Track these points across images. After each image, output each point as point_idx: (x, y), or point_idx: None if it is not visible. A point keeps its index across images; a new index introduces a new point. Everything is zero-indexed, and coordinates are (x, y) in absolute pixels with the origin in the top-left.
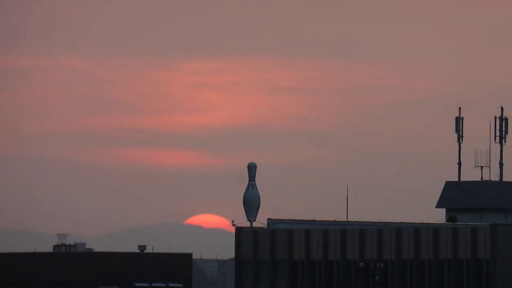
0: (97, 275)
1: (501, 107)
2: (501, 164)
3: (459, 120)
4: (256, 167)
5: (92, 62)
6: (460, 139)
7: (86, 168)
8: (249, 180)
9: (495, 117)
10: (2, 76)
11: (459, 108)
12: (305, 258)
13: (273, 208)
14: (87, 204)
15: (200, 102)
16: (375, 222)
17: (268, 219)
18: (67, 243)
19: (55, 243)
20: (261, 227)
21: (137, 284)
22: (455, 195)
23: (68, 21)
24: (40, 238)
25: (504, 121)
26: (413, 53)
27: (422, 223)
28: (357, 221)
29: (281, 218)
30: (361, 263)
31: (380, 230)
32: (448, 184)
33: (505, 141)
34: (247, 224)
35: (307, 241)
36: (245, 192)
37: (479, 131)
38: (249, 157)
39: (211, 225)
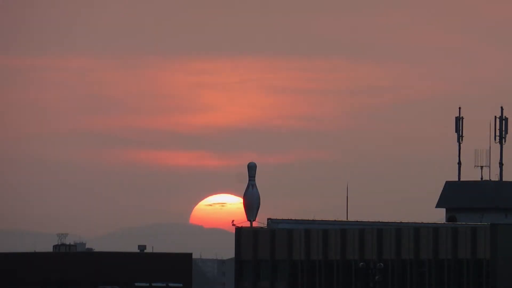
0: (97, 275)
1: (501, 107)
2: (501, 164)
3: (459, 120)
4: (256, 167)
5: (92, 62)
6: (460, 139)
7: (86, 168)
8: (249, 180)
9: (495, 117)
10: (2, 76)
11: (459, 108)
12: (305, 258)
13: (273, 208)
14: (87, 204)
15: (200, 102)
16: (375, 222)
17: (268, 219)
18: (67, 243)
19: (55, 243)
20: (261, 227)
21: (137, 284)
22: (455, 195)
23: (68, 21)
24: (40, 238)
25: (504, 121)
26: (413, 53)
27: (422, 223)
28: (357, 221)
29: (281, 218)
30: (361, 263)
31: (380, 230)
32: (448, 184)
33: (505, 141)
34: (247, 224)
35: (307, 241)
36: (245, 192)
37: (479, 131)
38: (249, 157)
39: (211, 225)
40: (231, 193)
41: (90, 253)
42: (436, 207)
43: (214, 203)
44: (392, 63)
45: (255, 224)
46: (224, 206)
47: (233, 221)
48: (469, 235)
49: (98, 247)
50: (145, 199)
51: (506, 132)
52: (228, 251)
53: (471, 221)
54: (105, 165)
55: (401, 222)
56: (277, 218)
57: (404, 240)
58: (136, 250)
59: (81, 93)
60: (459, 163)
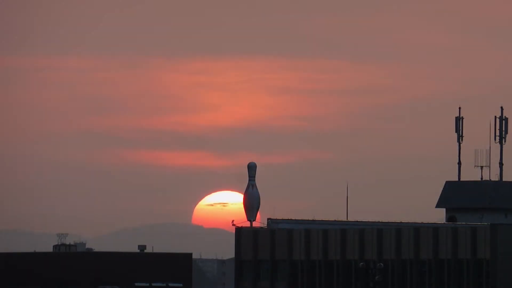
0: (97, 275)
1: (501, 107)
2: (501, 164)
3: (459, 120)
4: (256, 167)
5: (92, 62)
6: (460, 139)
7: (86, 168)
8: (249, 180)
9: (495, 117)
10: (2, 76)
11: (459, 108)
12: (305, 258)
13: (273, 208)
14: (87, 204)
15: (201, 102)
16: (375, 222)
17: (268, 219)
18: (67, 243)
19: (55, 243)
20: (261, 227)
21: (137, 284)
22: (455, 195)
23: (68, 21)
24: (40, 238)
25: (504, 121)
26: (413, 53)
27: (422, 223)
28: (357, 221)
29: (281, 218)
30: (361, 263)
31: (380, 230)
32: (448, 184)
33: (505, 141)
34: (247, 224)
35: (307, 241)
36: (245, 192)
37: (479, 131)
38: (249, 157)
39: (211, 225)
40: (233, 190)
41: (90, 253)
42: (436, 207)
43: (215, 203)
44: (392, 63)
45: (255, 224)
46: (225, 206)
47: (233, 221)
48: (469, 235)
49: (98, 247)
50: (145, 199)
51: (506, 132)
52: (228, 251)
53: (471, 221)
54: (105, 165)
55: (401, 222)
56: (277, 218)
57: (404, 240)
58: (136, 250)
59: (81, 93)
60: (459, 163)
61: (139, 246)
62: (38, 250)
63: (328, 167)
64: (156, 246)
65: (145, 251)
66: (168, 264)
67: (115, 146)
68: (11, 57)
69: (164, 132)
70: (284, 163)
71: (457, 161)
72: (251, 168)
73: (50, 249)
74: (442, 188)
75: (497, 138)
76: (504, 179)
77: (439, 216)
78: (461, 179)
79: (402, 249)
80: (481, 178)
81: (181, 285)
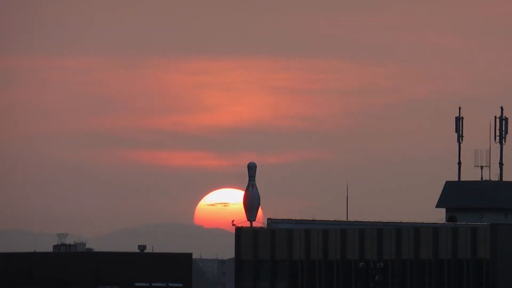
0: (97, 275)
1: (501, 107)
2: (501, 164)
3: (459, 120)
4: (256, 167)
5: (92, 62)
6: (460, 139)
7: (86, 168)
8: (249, 180)
9: (495, 117)
10: (2, 76)
11: (459, 108)
12: (305, 258)
13: (273, 208)
14: (87, 204)
15: (201, 102)
16: (375, 222)
17: (268, 219)
18: (67, 243)
19: (55, 243)
20: (261, 227)
21: (137, 284)
22: (455, 195)
23: (68, 21)
24: (40, 238)
25: (504, 121)
26: (413, 53)
27: (422, 223)
28: (357, 221)
29: (281, 218)
30: (361, 263)
31: (380, 230)
32: (448, 184)
33: (505, 141)
34: (247, 224)
35: (307, 241)
36: (245, 192)
37: (479, 131)
38: (249, 157)
39: (212, 225)
40: (234, 187)
41: (90, 253)
42: (436, 207)
43: (216, 203)
44: (392, 63)
45: (255, 224)
46: (226, 206)
47: (233, 221)
48: (469, 235)
49: (98, 247)
50: (145, 199)
51: (506, 132)
52: (228, 251)
53: (471, 221)
54: (105, 165)
55: (401, 222)
56: (277, 218)
57: (404, 240)
58: (136, 250)
59: (81, 93)
60: (459, 163)
61: (139, 246)
62: (38, 250)
63: (328, 167)
64: (156, 246)
65: (145, 251)
66: (168, 264)
67: (115, 146)
68: (11, 57)
69: (164, 132)
70: (284, 163)
71: (457, 161)
72: (251, 168)
73: (50, 249)
74: (442, 188)
75: (497, 138)
76: (504, 179)
77: (439, 216)
78: (461, 179)
79: (402, 249)
80: (481, 178)
81: (181, 285)
